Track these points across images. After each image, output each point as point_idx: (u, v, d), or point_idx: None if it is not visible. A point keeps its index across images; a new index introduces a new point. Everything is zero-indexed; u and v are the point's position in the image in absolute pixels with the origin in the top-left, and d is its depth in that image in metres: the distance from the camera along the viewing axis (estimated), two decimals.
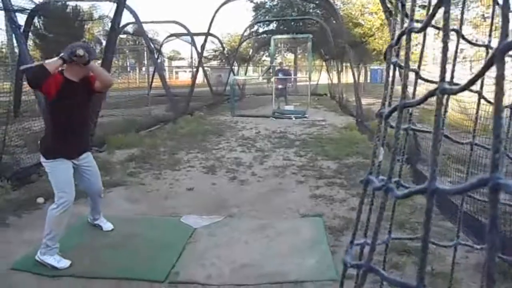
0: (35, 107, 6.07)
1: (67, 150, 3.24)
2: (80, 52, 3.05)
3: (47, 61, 3.05)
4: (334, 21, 16.19)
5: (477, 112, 0.94)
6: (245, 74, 25.79)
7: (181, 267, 3.15)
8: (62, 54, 3.07)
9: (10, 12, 5.75)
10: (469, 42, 0.76)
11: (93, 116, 6.86)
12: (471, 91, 0.71)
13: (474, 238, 3.13)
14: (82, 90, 3.25)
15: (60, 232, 3.18)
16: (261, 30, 27.55)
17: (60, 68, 3.15)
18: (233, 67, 21.16)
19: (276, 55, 17.35)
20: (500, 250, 0.35)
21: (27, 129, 5.95)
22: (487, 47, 0.84)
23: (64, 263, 3.12)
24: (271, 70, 14.73)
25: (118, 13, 7.73)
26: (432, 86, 0.54)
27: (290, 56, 34.40)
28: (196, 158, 6.89)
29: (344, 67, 16.98)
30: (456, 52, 0.84)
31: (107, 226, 3.89)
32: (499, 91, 0.33)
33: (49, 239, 3.11)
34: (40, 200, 4.51)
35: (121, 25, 9.61)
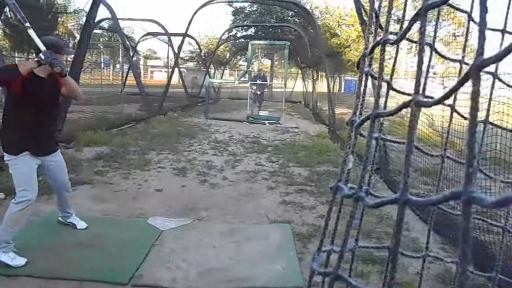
0: (1, 97, 5.85)
1: (32, 146, 3.14)
2: (58, 69, 3.01)
3: (22, 63, 2.96)
4: (311, 30, 16.42)
5: (449, 126, 0.96)
6: (221, 77, 25.75)
7: (146, 269, 3.08)
8: (39, 57, 2.96)
9: None
10: (443, 56, 0.78)
11: (62, 111, 6.67)
12: (444, 104, 0.73)
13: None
14: (49, 87, 3.17)
15: (17, 230, 3.06)
16: (239, 34, 27.63)
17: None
18: (209, 70, 21.07)
19: (253, 60, 17.42)
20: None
21: None
22: (461, 62, 0.86)
23: (19, 261, 3.00)
24: (246, 75, 14.78)
25: (93, 8, 7.57)
26: (403, 99, 0.54)
27: (267, 62, 34.63)
28: (167, 159, 6.80)
29: (319, 76, 17.21)
30: (428, 66, 0.86)
31: (81, 224, 3.78)
32: (474, 107, 0.34)
33: (4, 236, 3.00)
34: (1, 195, 4.33)
35: (96, 20, 9.40)
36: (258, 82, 14.26)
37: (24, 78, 2.97)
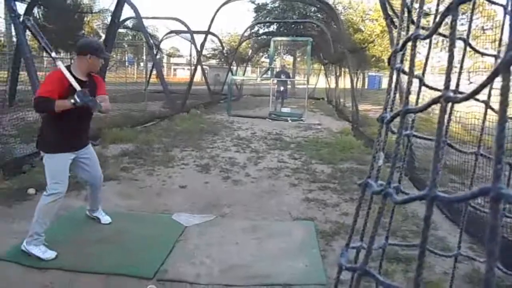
0: (30, 97, 6.03)
1: (69, 144, 3.29)
2: (94, 110, 3.23)
3: (60, 101, 3.03)
4: (334, 26, 16.24)
5: (483, 122, 0.94)
6: (243, 74, 25.79)
7: (170, 265, 3.14)
8: (75, 99, 3.03)
9: (10, 1, 5.71)
10: (476, 51, 0.76)
11: None
12: (478, 100, 0.71)
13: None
14: (88, 89, 3.23)
15: (47, 223, 3.17)
16: (261, 31, 27.61)
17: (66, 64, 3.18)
18: (231, 67, 21.15)
19: (275, 57, 17.37)
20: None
21: (22, 119, 5.91)
22: (496, 57, 0.84)
23: (50, 254, 3.11)
24: (269, 72, 14.75)
25: (118, 7, 7.72)
26: (433, 94, 0.53)
27: (289, 59, 34.50)
28: (190, 156, 6.87)
29: (342, 72, 17.03)
30: (462, 61, 0.84)
31: (106, 219, 3.88)
32: (504, 102, 0.33)
33: (36, 228, 3.11)
34: (31, 191, 4.47)
35: (121, 19, 9.57)
36: (283, 77, 14.21)
37: (67, 88, 3.08)
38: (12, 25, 6.17)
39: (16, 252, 3.14)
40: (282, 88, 14.31)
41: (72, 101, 3.03)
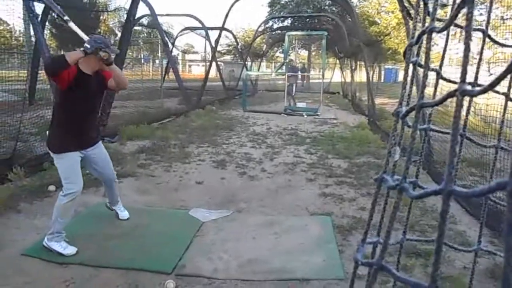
0: (50, 95, 6.14)
1: (75, 142, 3.26)
2: (105, 55, 3.06)
3: (69, 53, 2.99)
4: (349, 19, 16.06)
5: (503, 115, 0.92)
6: (258, 70, 25.72)
7: (188, 260, 3.17)
8: (85, 46, 2.99)
9: (28, 1, 5.81)
10: (496, 42, 0.74)
11: (107, 106, 6.92)
12: (498, 92, 0.69)
13: None
14: (95, 84, 3.24)
15: (67, 220, 3.23)
16: (275, 26, 27.49)
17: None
18: (246, 63, 21.11)
19: (290, 51, 17.28)
20: None
21: (42, 117, 6.02)
22: None
23: (71, 250, 3.17)
24: (283, 67, 14.68)
25: (134, 5, 7.78)
26: (451, 87, 0.52)
27: (304, 53, 34.28)
28: (206, 152, 6.91)
29: (358, 66, 16.84)
30: (481, 53, 0.82)
31: (123, 214, 3.93)
32: None
33: (56, 226, 3.17)
34: (52, 188, 4.56)
35: (136, 17, 9.64)
36: (289, 73, 14.12)
37: (73, 76, 3.06)
38: (31, 24, 6.29)
39: (38, 248, 3.22)
40: (287, 84, 14.19)
41: (82, 48, 2.99)
